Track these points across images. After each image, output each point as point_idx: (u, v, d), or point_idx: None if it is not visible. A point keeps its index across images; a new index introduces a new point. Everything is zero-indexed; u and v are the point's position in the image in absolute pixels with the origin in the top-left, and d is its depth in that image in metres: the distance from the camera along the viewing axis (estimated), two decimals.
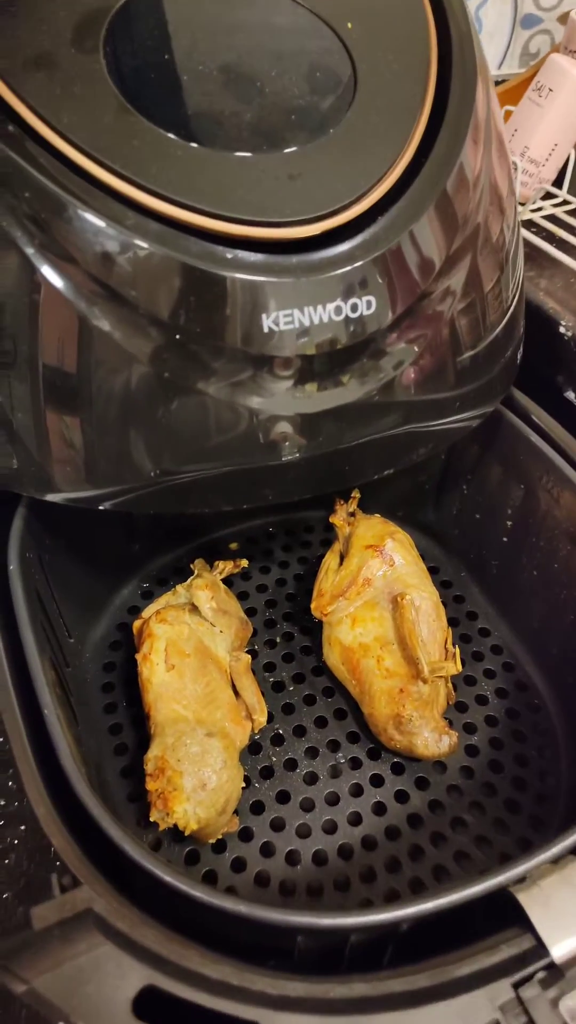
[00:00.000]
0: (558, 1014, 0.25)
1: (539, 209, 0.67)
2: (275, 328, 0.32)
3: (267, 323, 0.32)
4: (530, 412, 0.49)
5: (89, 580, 0.52)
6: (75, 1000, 0.24)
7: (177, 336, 0.32)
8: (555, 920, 0.26)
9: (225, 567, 0.53)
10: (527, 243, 0.62)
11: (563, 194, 0.68)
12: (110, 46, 0.33)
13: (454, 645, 0.47)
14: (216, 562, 0.53)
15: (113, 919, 0.26)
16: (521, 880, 0.28)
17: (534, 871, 0.28)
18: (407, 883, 0.41)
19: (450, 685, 0.47)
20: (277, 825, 0.43)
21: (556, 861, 0.29)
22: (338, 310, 0.33)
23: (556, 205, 0.68)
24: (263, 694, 0.46)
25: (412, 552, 0.50)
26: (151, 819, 0.38)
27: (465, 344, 0.41)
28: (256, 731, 0.45)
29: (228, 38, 0.36)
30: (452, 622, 0.53)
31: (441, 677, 0.45)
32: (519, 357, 0.48)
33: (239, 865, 0.42)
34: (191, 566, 0.53)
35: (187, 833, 0.38)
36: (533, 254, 0.62)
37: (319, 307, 0.33)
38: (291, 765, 0.46)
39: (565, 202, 0.68)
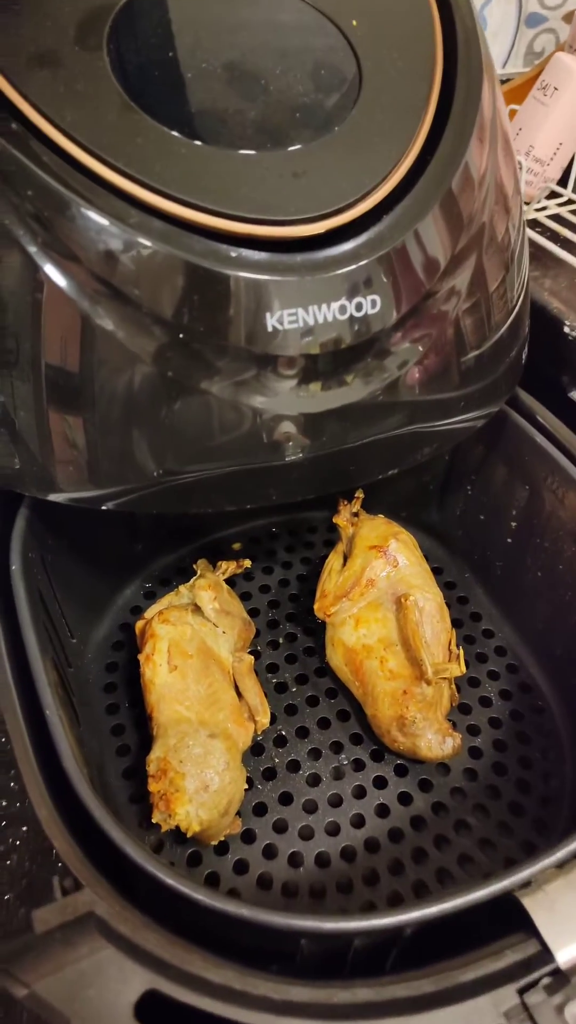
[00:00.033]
0: (563, 1020, 0.24)
1: (544, 208, 0.67)
2: (279, 327, 0.32)
3: (271, 322, 0.32)
4: (535, 412, 0.49)
5: (92, 580, 0.52)
6: (77, 1004, 0.24)
7: (180, 335, 0.32)
8: (560, 925, 0.26)
9: (228, 567, 0.53)
10: (531, 243, 0.62)
11: (568, 193, 0.68)
12: (114, 43, 0.33)
13: (458, 646, 0.47)
14: (219, 562, 0.53)
15: (115, 922, 0.26)
16: (526, 885, 0.28)
17: (539, 876, 0.28)
18: (410, 886, 0.41)
19: (454, 687, 0.47)
20: (280, 827, 0.43)
21: (561, 866, 0.29)
22: (342, 309, 0.33)
23: (561, 204, 0.68)
24: (266, 695, 0.46)
25: (416, 553, 0.50)
26: (153, 821, 0.38)
27: (470, 344, 0.40)
28: (259, 732, 0.45)
29: (232, 35, 0.36)
30: (456, 623, 0.53)
31: (445, 679, 0.45)
32: (524, 357, 0.47)
33: (241, 867, 0.42)
34: (194, 566, 0.52)
35: (189, 835, 0.38)
36: (538, 254, 0.62)
37: (323, 306, 0.33)
38: (294, 767, 0.46)
39: (570, 201, 0.68)
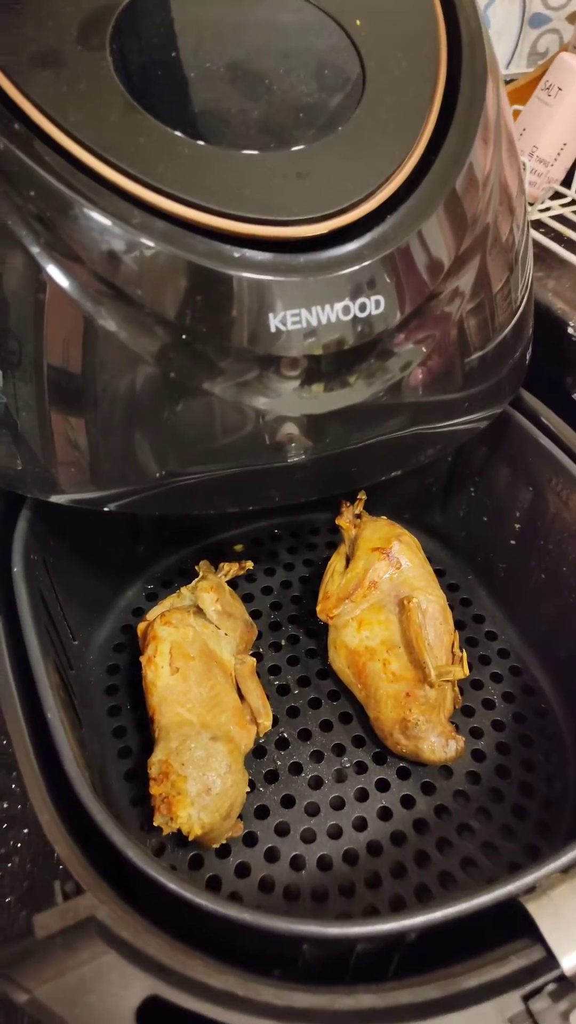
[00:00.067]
0: None
1: (547, 209, 0.67)
2: (282, 328, 0.32)
3: (274, 323, 0.32)
4: (539, 413, 0.49)
5: (93, 582, 0.52)
6: (78, 1010, 0.23)
7: (183, 336, 0.32)
8: (565, 931, 0.26)
9: (230, 569, 0.53)
10: (535, 243, 0.62)
11: (572, 194, 0.68)
12: (116, 43, 0.33)
13: (461, 649, 0.47)
14: (221, 564, 0.53)
15: (117, 927, 0.25)
16: (531, 890, 0.28)
17: (543, 881, 0.28)
18: (413, 889, 0.41)
19: (457, 689, 0.47)
20: (282, 830, 0.43)
21: (566, 871, 0.29)
22: (346, 310, 0.33)
23: (565, 205, 0.68)
24: (268, 697, 0.46)
25: (419, 555, 0.50)
26: (155, 824, 0.38)
27: (474, 345, 0.40)
28: (261, 735, 0.45)
29: (235, 35, 0.36)
30: (459, 625, 0.53)
31: (448, 681, 0.45)
32: (528, 358, 0.47)
33: (243, 870, 0.41)
34: (196, 568, 0.52)
35: (191, 838, 0.38)
36: (541, 254, 0.61)
37: (327, 307, 0.32)
38: (296, 769, 0.46)
39: (573, 202, 0.68)
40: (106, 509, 0.37)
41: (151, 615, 0.47)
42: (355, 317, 0.33)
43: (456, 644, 0.46)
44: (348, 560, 0.51)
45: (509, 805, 0.45)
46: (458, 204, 0.35)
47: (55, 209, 0.30)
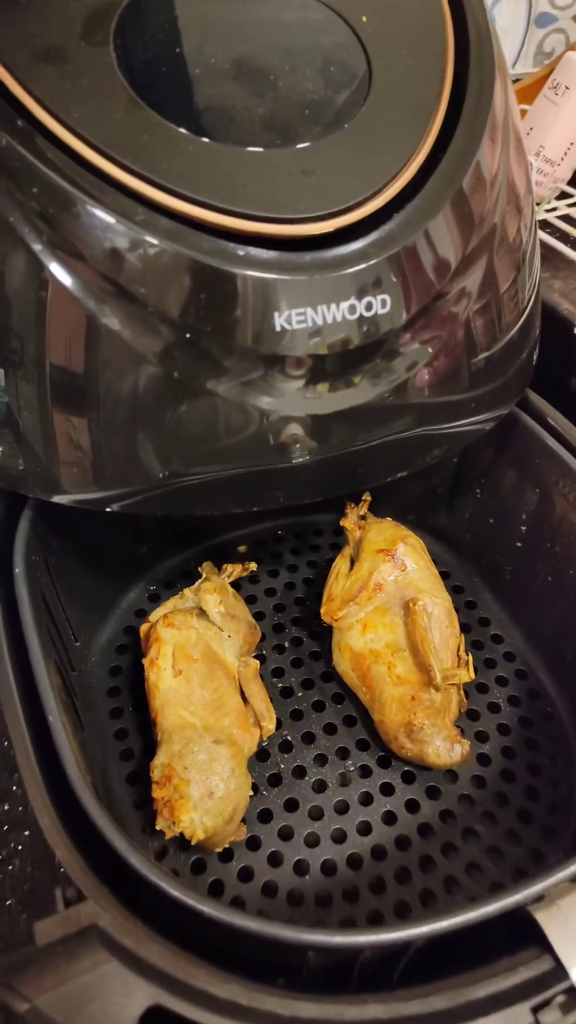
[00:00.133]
0: None
1: (554, 209, 0.67)
2: (287, 327, 0.32)
3: (279, 322, 0.31)
4: (546, 414, 0.49)
5: (96, 582, 0.52)
6: (79, 1020, 0.23)
7: (187, 335, 0.31)
8: (575, 941, 0.26)
9: (233, 570, 0.52)
10: (541, 243, 0.61)
11: None
12: (120, 39, 0.32)
13: (466, 652, 0.46)
14: (224, 565, 0.52)
15: (119, 935, 0.25)
16: (539, 899, 0.27)
17: (552, 889, 0.27)
18: (417, 895, 0.41)
19: (462, 693, 0.46)
20: (285, 834, 0.43)
21: (575, 879, 0.28)
22: (352, 309, 0.32)
23: (571, 205, 0.67)
24: (271, 700, 0.46)
25: (424, 557, 0.50)
26: (157, 827, 0.38)
27: (480, 345, 0.40)
28: (264, 738, 0.44)
29: (240, 31, 0.35)
30: (464, 628, 0.52)
31: (453, 685, 0.44)
32: (535, 359, 0.47)
33: (246, 874, 0.41)
34: (199, 569, 0.52)
35: (194, 842, 0.38)
36: (547, 254, 0.61)
37: (332, 306, 0.32)
38: (300, 772, 0.45)
39: None
40: (108, 510, 0.37)
41: (154, 616, 0.47)
42: (361, 316, 0.33)
43: (462, 647, 0.46)
44: (352, 562, 0.50)
45: (514, 809, 0.44)
46: (465, 203, 0.35)
47: (58, 206, 0.29)
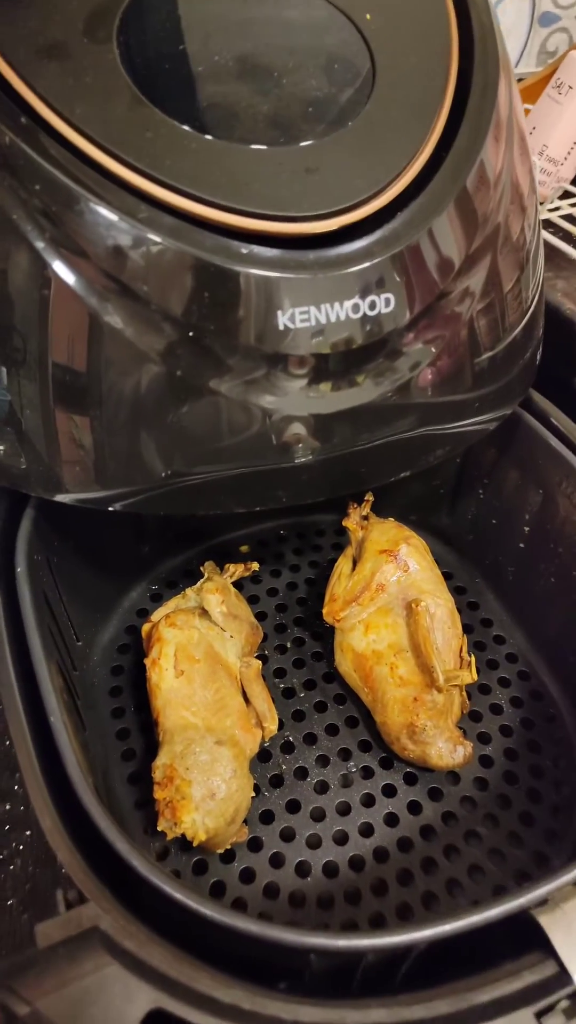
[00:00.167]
0: None
1: (557, 209, 0.66)
2: (290, 326, 0.31)
3: (282, 320, 0.31)
4: (549, 414, 0.48)
5: (98, 582, 0.52)
6: (80, 1023, 0.23)
7: (190, 333, 0.31)
8: None
9: (236, 570, 0.52)
10: (544, 243, 0.61)
11: None
12: (124, 36, 0.32)
13: (469, 653, 0.46)
14: (226, 565, 0.52)
15: (120, 937, 0.25)
16: (543, 903, 0.27)
17: (556, 893, 0.27)
18: (420, 897, 0.40)
19: (464, 694, 0.46)
20: (287, 835, 0.43)
21: None
22: (355, 308, 0.32)
23: (574, 204, 0.67)
24: (273, 701, 0.45)
25: (427, 557, 0.49)
26: (159, 828, 0.37)
27: (484, 345, 0.40)
28: (266, 739, 0.44)
29: (244, 29, 0.35)
30: (466, 629, 0.52)
31: (456, 686, 0.44)
32: (538, 358, 0.47)
33: (248, 876, 0.41)
34: (201, 569, 0.52)
35: (195, 843, 0.37)
36: (551, 254, 0.61)
37: (336, 304, 0.32)
38: (301, 774, 0.45)
39: None
40: (111, 509, 0.36)
41: (155, 616, 0.47)
42: (364, 315, 0.33)
43: (464, 648, 0.46)
44: (355, 562, 0.50)
45: (517, 811, 0.44)
46: (469, 202, 0.35)
47: (61, 203, 0.29)
